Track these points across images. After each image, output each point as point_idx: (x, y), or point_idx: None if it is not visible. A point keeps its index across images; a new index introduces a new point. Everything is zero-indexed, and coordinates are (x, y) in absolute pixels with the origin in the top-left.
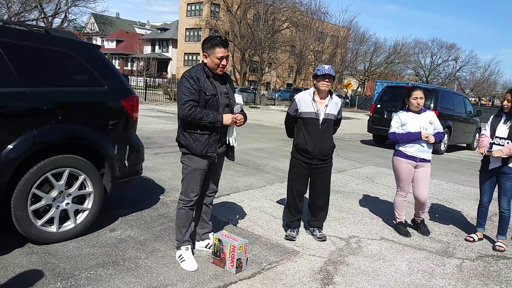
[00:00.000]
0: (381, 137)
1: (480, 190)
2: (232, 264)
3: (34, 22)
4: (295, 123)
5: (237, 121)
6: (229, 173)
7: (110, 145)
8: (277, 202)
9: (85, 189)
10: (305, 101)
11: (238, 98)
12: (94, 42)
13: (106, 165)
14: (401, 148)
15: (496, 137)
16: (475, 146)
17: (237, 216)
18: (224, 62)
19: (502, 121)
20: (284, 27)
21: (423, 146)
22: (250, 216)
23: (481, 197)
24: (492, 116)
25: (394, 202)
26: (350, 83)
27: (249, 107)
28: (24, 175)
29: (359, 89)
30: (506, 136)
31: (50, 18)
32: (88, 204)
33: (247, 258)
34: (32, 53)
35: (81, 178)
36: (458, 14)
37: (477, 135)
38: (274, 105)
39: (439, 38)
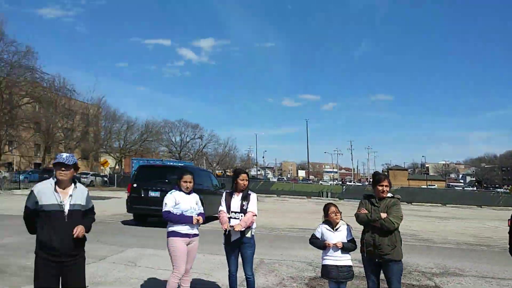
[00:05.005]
0: (142, 216)
1: (227, 261)
2: None
3: None
4: (37, 217)
5: None
6: None
7: None
8: None
9: None
10: (46, 193)
11: None
12: None
13: None
14: (175, 228)
15: (232, 211)
16: None
17: None
18: None
19: (235, 196)
20: (25, 102)
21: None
22: None
23: (229, 267)
24: (224, 193)
25: (168, 283)
26: (107, 161)
27: None
28: None
29: (117, 167)
30: (239, 210)
31: None
32: None
33: None
34: None
35: None
36: (202, 98)
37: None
38: (20, 188)
39: (185, 119)
